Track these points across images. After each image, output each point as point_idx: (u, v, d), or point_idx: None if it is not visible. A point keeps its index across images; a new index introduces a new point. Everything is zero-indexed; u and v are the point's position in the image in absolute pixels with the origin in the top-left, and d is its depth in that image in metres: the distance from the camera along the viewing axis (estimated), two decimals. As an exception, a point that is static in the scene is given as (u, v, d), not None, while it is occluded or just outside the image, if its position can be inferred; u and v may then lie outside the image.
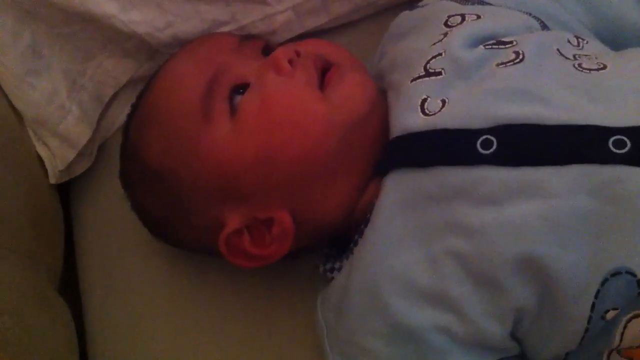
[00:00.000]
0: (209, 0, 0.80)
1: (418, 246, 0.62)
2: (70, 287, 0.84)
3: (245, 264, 0.68)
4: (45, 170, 0.83)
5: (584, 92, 0.60)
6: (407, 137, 0.64)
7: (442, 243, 0.60)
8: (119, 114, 0.86)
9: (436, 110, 0.63)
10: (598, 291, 0.57)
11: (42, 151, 0.83)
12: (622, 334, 0.58)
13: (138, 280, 0.81)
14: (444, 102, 0.63)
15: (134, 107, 0.73)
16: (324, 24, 0.85)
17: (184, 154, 0.66)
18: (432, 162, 0.62)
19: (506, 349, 0.63)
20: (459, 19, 0.69)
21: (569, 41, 0.67)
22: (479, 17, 0.69)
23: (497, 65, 0.64)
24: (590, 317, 0.58)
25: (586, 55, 0.65)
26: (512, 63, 0.63)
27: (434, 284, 0.61)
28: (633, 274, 0.56)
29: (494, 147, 0.60)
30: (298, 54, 0.68)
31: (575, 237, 0.57)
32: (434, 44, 0.68)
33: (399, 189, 0.63)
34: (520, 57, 0.63)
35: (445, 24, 0.69)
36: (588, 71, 0.62)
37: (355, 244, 0.66)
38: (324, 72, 0.68)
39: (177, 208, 0.69)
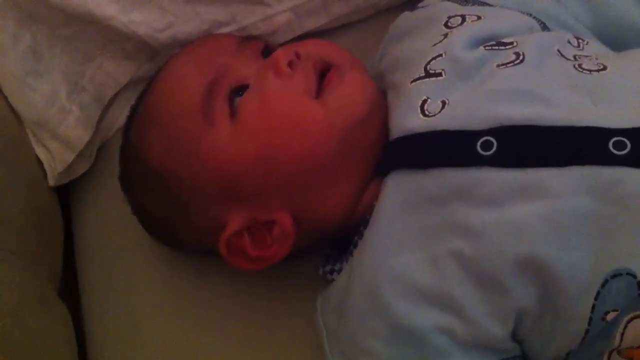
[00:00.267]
0: (209, 1, 0.80)
1: (419, 247, 0.62)
2: (69, 288, 0.84)
3: (246, 265, 0.68)
4: (45, 171, 0.83)
5: (584, 93, 0.60)
6: (407, 138, 0.64)
7: (443, 244, 0.60)
8: (119, 115, 0.85)
9: (436, 112, 0.63)
10: (598, 292, 0.57)
11: (41, 154, 0.83)
12: (623, 334, 0.58)
13: (138, 281, 0.81)
14: (444, 103, 0.63)
15: (134, 109, 0.73)
16: (324, 25, 0.85)
17: (185, 155, 0.66)
18: (433, 164, 0.62)
19: (507, 350, 0.63)
20: (459, 19, 0.69)
21: (569, 42, 0.67)
22: (479, 18, 0.69)
23: (498, 66, 0.64)
24: (590, 318, 0.58)
25: (586, 56, 0.65)
26: (512, 64, 0.63)
27: (435, 285, 0.61)
28: (634, 275, 0.56)
29: (494, 148, 0.60)
30: (298, 55, 0.68)
31: (576, 238, 0.57)
32: (435, 44, 0.67)
33: (399, 190, 0.63)
34: (521, 58, 0.63)
35: (446, 25, 0.69)
36: (588, 72, 0.62)
37: (355, 245, 0.66)
38: (324, 73, 0.68)
39: (177, 209, 0.69)
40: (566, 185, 0.57)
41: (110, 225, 0.83)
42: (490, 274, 0.59)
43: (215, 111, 0.66)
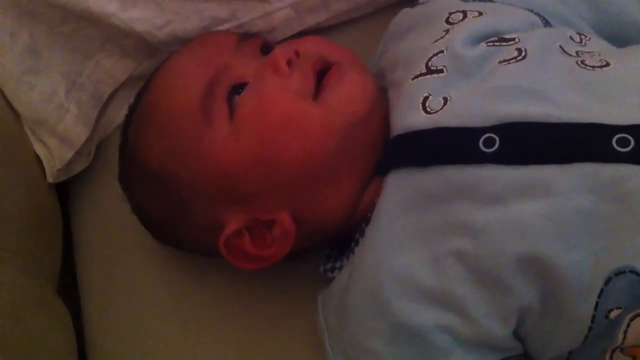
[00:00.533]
0: (207, -3, 0.80)
1: (421, 246, 0.61)
2: (68, 288, 0.83)
3: (246, 265, 0.68)
4: (43, 170, 0.83)
5: (587, 90, 0.60)
6: (408, 135, 0.63)
7: (445, 243, 0.60)
8: (118, 113, 0.85)
9: (438, 109, 0.63)
10: (602, 290, 0.57)
11: (40, 150, 0.82)
12: (626, 332, 0.58)
13: (137, 281, 0.80)
14: (445, 100, 0.63)
15: (132, 108, 0.72)
16: (324, 22, 0.84)
17: (184, 155, 0.66)
18: (434, 161, 0.61)
19: (509, 349, 0.62)
20: (460, 15, 0.69)
21: (571, 38, 0.67)
22: (480, 13, 0.68)
23: (500, 62, 0.63)
24: (593, 316, 0.57)
25: (589, 52, 0.65)
26: (514, 60, 0.63)
27: (437, 283, 0.60)
28: (637, 273, 0.56)
29: (497, 145, 0.59)
30: (297, 53, 0.67)
31: (579, 236, 0.57)
32: (436, 41, 0.67)
33: (400, 188, 0.63)
34: (523, 54, 0.63)
35: (447, 21, 0.69)
36: (591, 68, 0.62)
37: (356, 243, 0.66)
38: (324, 71, 0.67)
39: (177, 209, 0.68)
40: (569, 182, 0.57)
41: (110, 224, 0.83)
42: (492, 273, 0.58)
43: (214, 111, 0.65)
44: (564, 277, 0.57)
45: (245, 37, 0.73)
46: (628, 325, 0.57)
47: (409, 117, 0.64)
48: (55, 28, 0.80)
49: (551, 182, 0.57)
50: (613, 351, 0.59)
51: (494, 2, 0.72)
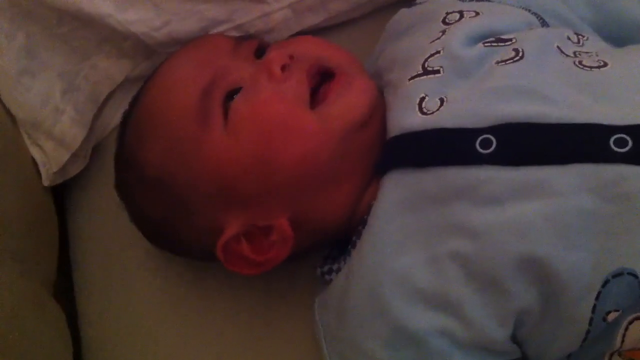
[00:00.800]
0: (205, -2, 0.79)
1: (418, 248, 0.61)
2: (65, 290, 0.83)
3: (245, 270, 0.67)
4: (39, 172, 0.82)
5: (584, 90, 0.60)
6: (405, 136, 0.63)
7: (443, 245, 0.60)
8: (114, 114, 0.85)
9: (434, 109, 0.62)
10: (599, 292, 0.56)
11: (35, 154, 0.82)
12: (624, 336, 0.58)
13: (134, 283, 0.80)
14: (442, 100, 0.62)
15: (128, 113, 0.72)
16: (322, 22, 0.84)
17: (183, 158, 0.65)
18: (431, 162, 0.61)
19: (507, 352, 0.62)
20: (457, 16, 0.68)
21: (568, 38, 0.66)
22: (477, 13, 0.68)
23: (497, 63, 0.63)
24: (591, 319, 0.57)
25: (586, 53, 0.64)
26: (511, 61, 0.62)
27: (435, 286, 0.60)
28: (635, 275, 0.55)
29: (493, 146, 0.59)
30: (292, 57, 0.67)
31: (577, 237, 0.57)
32: (432, 41, 0.67)
33: (397, 189, 0.62)
34: (520, 54, 0.62)
35: (444, 21, 0.68)
36: (589, 69, 0.61)
37: (354, 246, 0.65)
38: (320, 75, 0.67)
39: (176, 214, 0.68)
40: (567, 183, 0.57)
41: (106, 226, 0.83)
42: (491, 275, 0.58)
43: (210, 116, 0.65)
44: (563, 278, 0.57)
45: (241, 39, 0.72)
46: (626, 329, 0.57)
47: (406, 118, 0.63)
48: (51, 29, 0.80)
49: (549, 183, 0.57)
50: (612, 355, 0.59)
51: (491, 1, 0.71)
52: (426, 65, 0.65)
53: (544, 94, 0.60)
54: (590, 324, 0.57)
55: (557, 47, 0.64)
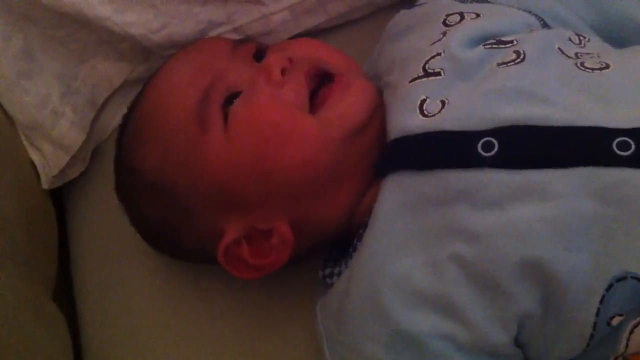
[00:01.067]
0: (204, 1, 0.79)
1: (419, 251, 0.61)
2: (65, 293, 0.83)
3: (245, 274, 0.67)
4: (38, 175, 0.82)
5: (586, 93, 0.59)
6: (405, 139, 0.63)
7: (443, 248, 0.59)
8: (113, 117, 0.84)
9: (435, 112, 0.62)
10: (603, 296, 0.56)
11: (34, 156, 0.82)
12: (628, 339, 0.57)
13: (135, 286, 0.80)
14: (443, 103, 0.62)
15: (127, 117, 0.72)
16: (322, 24, 0.84)
17: (181, 165, 0.65)
18: (432, 165, 0.60)
19: (509, 355, 0.61)
20: (457, 17, 0.68)
21: (570, 39, 0.66)
22: (478, 15, 0.68)
23: (498, 65, 0.62)
24: (595, 323, 0.57)
25: (588, 54, 0.64)
26: (513, 63, 0.62)
27: (436, 289, 0.59)
28: (638, 279, 0.55)
29: (495, 149, 0.59)
30: (291, 60, 0.67)
31: (580, 241, 0.56)
32: (433, 43, 0.66)
33: (397, 191, 0.62)
34: (521, 56, 0.62)
35: (444, 23, 0.68)
36: (591, 70, 0.61)
37: (355, 249, 0.65)
38: (319, 78, 0.67)
39: (176, 217, 0.67)
40: (569, 186, 0.56)
41: (106, 228, 0.83)
42: (492, 278, 0.58)
43: (209, 120, 0.64)
44: (565, 282, 0.56)
45: (239, 42, 0.72)
46: (631, 332, 0.57)
47: (406, 121, 0.63)
48: (49, 32, 0.79)
49: (550, 186, 0.57)
50: (616, 359, 0.59)
51: (491, 3, 0.71)
52: (427, 67, 0.65)
53: (546, 96, 0.59)
54: (594, 328, 0.57)
55: (559, 48, 0.64)
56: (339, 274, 0.67)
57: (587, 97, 0.59)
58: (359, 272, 0.63)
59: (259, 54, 0.70)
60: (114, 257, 0.82)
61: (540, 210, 0.57)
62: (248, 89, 0.66)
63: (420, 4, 0.74)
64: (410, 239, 0.61)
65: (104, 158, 0.83)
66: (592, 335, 0.57)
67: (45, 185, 0.82)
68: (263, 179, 0.63)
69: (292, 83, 0.65)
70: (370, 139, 0.65)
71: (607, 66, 0.61)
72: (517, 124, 0.59)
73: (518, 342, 0.61)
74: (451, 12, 0.69)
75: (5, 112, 0.80)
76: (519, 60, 0.62)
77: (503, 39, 0.65)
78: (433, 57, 0.65)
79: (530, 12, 0.69)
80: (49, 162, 0.81)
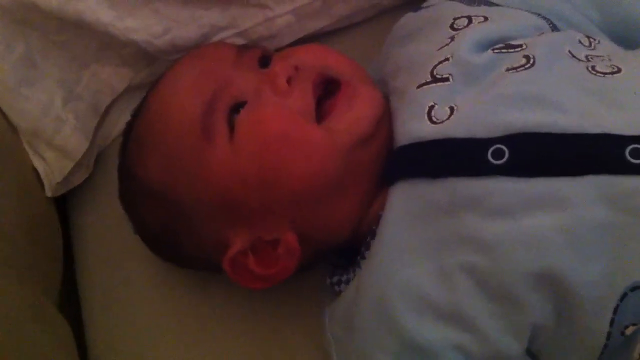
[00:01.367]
0: (207, 5, 0.78)
1: (428, 259, 0.60)
2: (71, 299, 0.83)
3: (252, 284, 0.67)
4: (41, 182, 0.81)
5: (598, 98, 0.59)
6: (413, 146, 0.62)
7: (454, 257, 0.59)
8: (117, 122, 0.84)
9: (444, 118, 0.61)
10: (617, 306, 0.56)
11: (37, 164, 0.81)
12: None
13: (141, 293, 0.80)
14: (452, 109, 0.61)
15: (130, 125, 0.71)
16: (326, 27, 0.83)
17: (186, 175, 0.64)
18: (441, 173, 0.60)
19: None
20: (465, 21, 0.67)
21: (580, 41, 0.65)
22: (486, 19, 0.67)
23: (507, 70, 0.61)
24: (609, 333, 0.56)
25: (598, 56, 0.63)
26: (522, 68, 0.61)
27: (447, 299, 0.59)
28: None
29: (506, 157, 0.58)
30: (297, 68, 0.66)
31: (594, 251, 0.56)
32: (440, 48, 0.65)
33: (406, 200, 0.61)
34: (531, 61, 0.61)
35: (452, 27, 0.67)
36: (602, 75, 0.60)
37: (363, 256, 0.65)
38: (326, 86, 0.66)
39: (180, 227, 0.67)
40: (582, 195, 0.56)
41: (111, 234, 0.82)
42: (505, 289, 0.57)
43: (214, 130, 0.64)
44: (579, 292, 0.56)
45: (244, 48, 0.71)
46: (645, 342, 0.57)
47: (415, 127, 0.62)
48: (51, 37, 0.79)
49: (563, 195, 0.56)
50: (629, 367, 0.58)
51: (499, 5, 0.70)
52: (435, 73, 0.64)
53: (557, 102, 0.59)
54: (608, 338, 0.56)
55: (569, 51, 0.63)
56: (347, 281, 0.67)
57: (599, 103, 0.58)
58: (368, 281, 0.62)
59: (264, 60, 0.69)
60: (118, 263, 0.81)
61: (553, 219, 0.56)
62: (254, 99, 0.65)
63: (427, 7, 0.73)
64: (419, 247, 0.60)
65: (108, 164, 0.82)
66: (605, 345, 0.57)
67: (49, 193, 0.81)
68: (269, 189, 0.62)
69: (299, 92, 0.64)
70: (377, 148, 0.64)
71: (619, 70, 0.60)
72: (527, 131, 0.58)
73: (530, 352, 0.60)
74: (459, 16, 0.68)
75: (7, 119, 0.80)
76: (528, 65, 0.61)
77: (512, 43, 0.64)
78: (441, 62, 0.64)
79: (539, 14, 0.68)
80: (52, 170, 0.81)
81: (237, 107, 0.65)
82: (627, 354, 0.57)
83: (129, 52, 0.80)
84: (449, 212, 0.59)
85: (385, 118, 0.65)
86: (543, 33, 0.67)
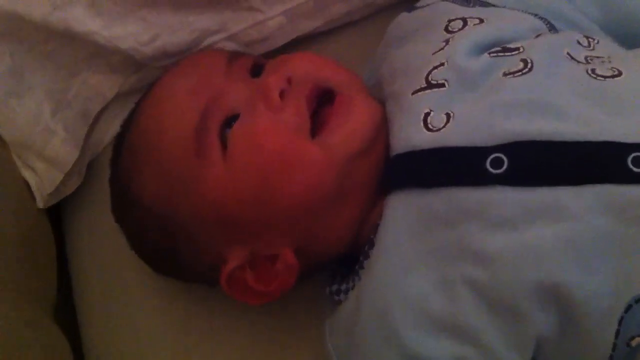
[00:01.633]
0: (197, 10, 0.77)
1: (428, 271, 0.59)
2: (66, 308, 0.82)
3: (251, 300, 0.66)
4: (32, 193, 0.81)
5: (599, 103, 0.57)
6: (409, 154, 0.61)
7: (455, 269, 0.58)
8: (107, 130, 0.82)
9: (440, 126, 0.60)
10: (622, 318, 0.55)
11: (27, 175, 0.80)
12: None
13: (135, 302, 0.79)
14: (448, 116, 0.60)
15: (122, 136, 0.69)
16: (319, 27, 0.82)
17: (180, 191, 0.63)
18: (439, 183, 0.59)
19: None
20: (460, 23, 0.66)
21: (578, 42, 0.64)
22: (481, 20, 0.65)
23: (505, 74, 0.60)
24: (614, 345, 0.56)
25: (598, 57, 0.62)
26: (520, 73, 0.59)
27: (448, 312, 0.58)
28: None
29: (505, 166, 0.57)
30: (290, 81, 0.64)
31: (597, 262, 0.55)
32: (435, 52, 0.64)
33: (403, 209, 0.60)
34: (529, 65, 0.60)
35: (446, 30, 0.66)
36: (602, 78, 0.59)
37: (362, 266, 0.64)
38: (320, 98, 0.65)
39: (175, 244, 0.66)
40: (583, 205, 0.55)
41: (105, 243, 0.81)
42: (507, 302, 0.56)
43: (207, 146, 0.63)
44: (583, 304, 0.55)
45: (235, 56, 0.69)
46: (651, 352, 0.56)
47: (411, 135, 0.61)
48: (38, 47, 0.78)
49: (564, 205, 0.55)
50: (635, 378, 0.58)
51: (495, 6, 0.69)
52: (430, 79, 0.62)
53: (556, 108, 0.57)
54: (613, 349, 0.56)
55: (568, 53, 0.62)
56: (347, 291, 0.66)
57: (599, 109, 0.57)
58: (368, 292, 0.62)
59: (256, 69, 0.68)
60: (114, 272, 0.80)
61: (555, 231, 0.55)
62: (246, 113, 0.63)
63: (421, 7, 0.71)
64: (418, 258, 0.59)
65: (100, 171, 0.81)
66: (611, 357, 0.56)
67: (40, 204, 0.81)
68: (265, 205, 0.61)
69: (292, 107, 0.63)
70: (374, 157, 0.63)
71: (619, 73, 0.59)
72: (527, 139, 0.57)
73: (534, 364, 0.59)
74: (453, 17, 0.66)
75: (-4, 131, 0.79)
76: (526, 70, 0.60)
77: (509, 46, 0.63)
78: (436, 67, 0.63)
79: (536, 15, 0.67)
80: (42, 181, 0.80)
81: (229, 121, 0.63)
82: (633, 364, 0.57)
83: (118, 59, 0.78)
84: (448, 223, 0.58)
85: (382, 128, 0.64)
86: (540, 34, 0.65)
